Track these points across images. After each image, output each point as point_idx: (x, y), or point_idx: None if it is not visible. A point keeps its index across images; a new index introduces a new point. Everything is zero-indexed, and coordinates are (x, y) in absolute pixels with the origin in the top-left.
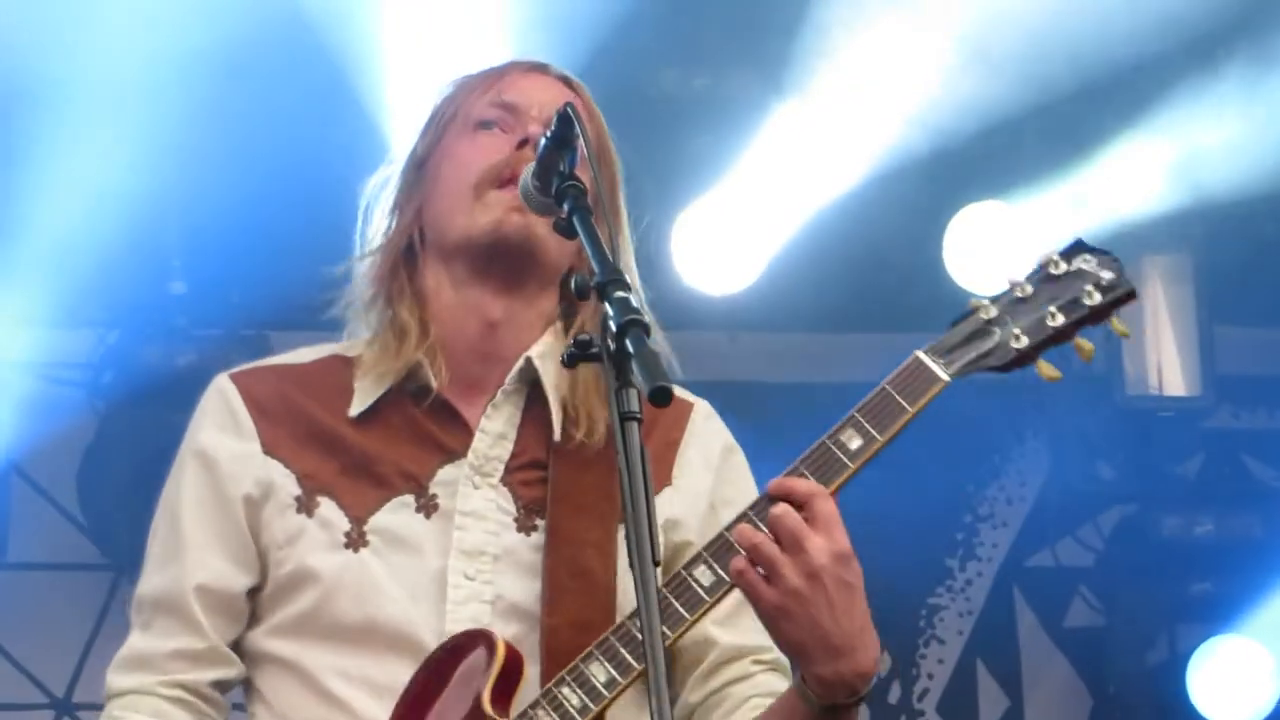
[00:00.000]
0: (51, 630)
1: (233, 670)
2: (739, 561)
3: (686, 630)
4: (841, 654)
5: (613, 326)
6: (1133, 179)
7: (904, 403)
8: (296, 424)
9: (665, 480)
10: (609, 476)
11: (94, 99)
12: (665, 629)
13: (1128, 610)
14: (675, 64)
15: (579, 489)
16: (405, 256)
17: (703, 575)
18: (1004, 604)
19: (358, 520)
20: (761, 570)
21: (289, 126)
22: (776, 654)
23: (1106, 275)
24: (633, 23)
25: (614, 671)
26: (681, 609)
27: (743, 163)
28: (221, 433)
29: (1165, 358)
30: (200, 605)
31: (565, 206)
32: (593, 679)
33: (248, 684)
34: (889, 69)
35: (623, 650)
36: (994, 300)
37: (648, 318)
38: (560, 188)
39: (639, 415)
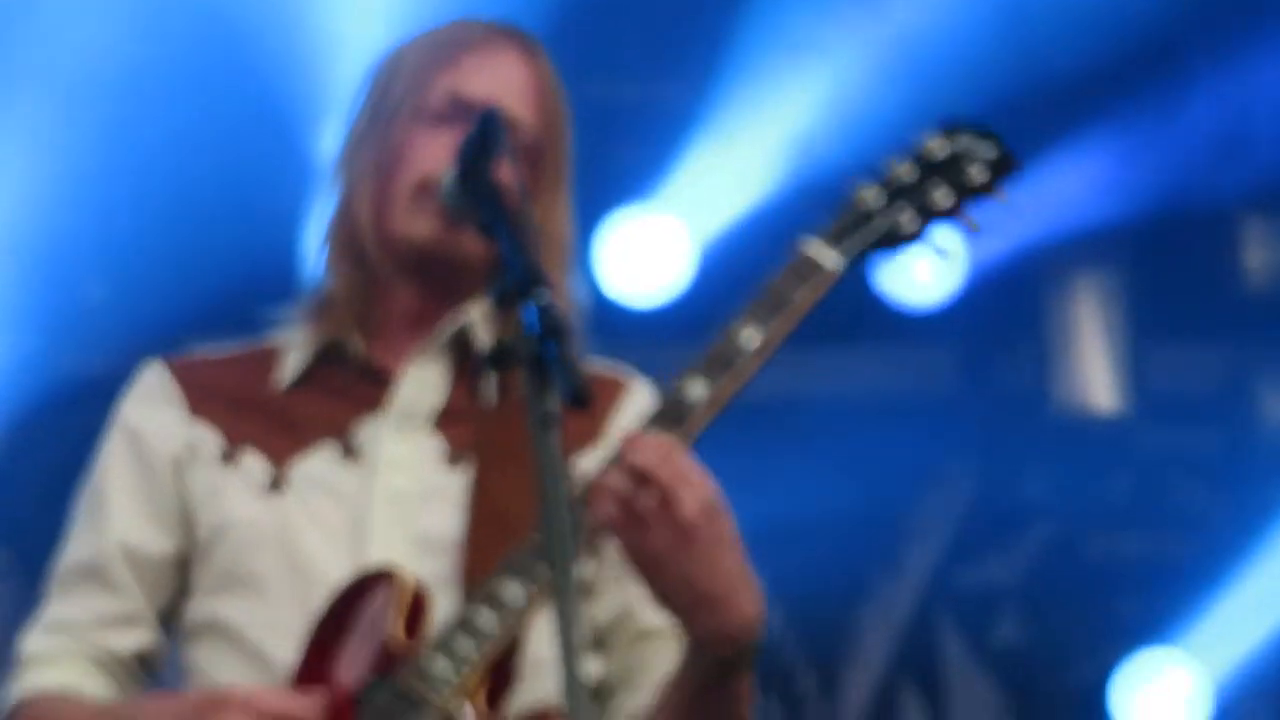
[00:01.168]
0: None
1: (155, 638)
2: (611, 510)
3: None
4: (719, 603)
5: (532, 330)
6: (1062, 193)
7: (796, 296)
8: (224, 391)
9: (591, 436)
10: None
11: (11, 100)
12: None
13: (1055, 629)
14: (602, 75)
15: (507, 438)
16: (351, 232)
17: None
18: (928, 622)
19: (280, 465)
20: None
21: (213, 132)
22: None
23: (990, 152)
24: (558, 34)
25: (527, 587)
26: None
27: (670, 174)
28: (147, 406)
29: (1095, 374)
30: (124, 564)
31: (485, 210)
32: (504, 596)
33: (182, 667)
34: (818, 74)
35: (535, 564)
36: (880, 184)
37: (572, 321)
38: (482, 190)
39: (558, 418)
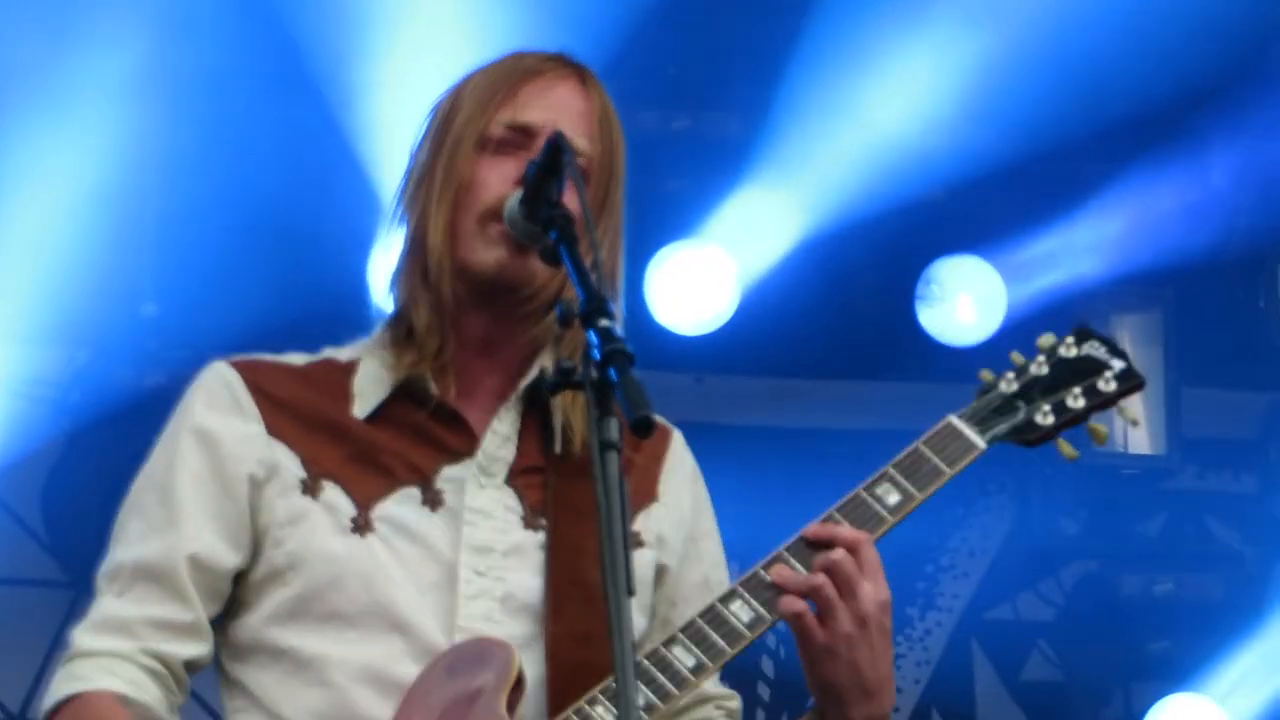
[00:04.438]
0: (9, 646)
1: (206, 649)
2: (796, 602)
3: (727, 662)
4: (873, 697)
5: (596, 355)
6: (1104, 238)
7: (942, 465)
8: (300, 412)
9: (651, 496)
10: None
11: (70, 115)
12: (706, 659)
13: (1085, 666)
14: (655, 105)
15: (577, 497)
16: (426, 263)
17: (741, 611)
18: (962, 655)
19: (364, 507)
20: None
21: (266, 150)
22: (736, 703)
23: (1118, 364)
24: (613, 64)
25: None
26: (722, 642)
27: (720, 205)
28: (222, 414)
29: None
30: (191, 576)
31: (551, 236)
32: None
33: (227, 679)
34: (871, 117)
35: (645, 689)
36: (1014, 375)
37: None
38: (546, 216)
39: (619, 444)
